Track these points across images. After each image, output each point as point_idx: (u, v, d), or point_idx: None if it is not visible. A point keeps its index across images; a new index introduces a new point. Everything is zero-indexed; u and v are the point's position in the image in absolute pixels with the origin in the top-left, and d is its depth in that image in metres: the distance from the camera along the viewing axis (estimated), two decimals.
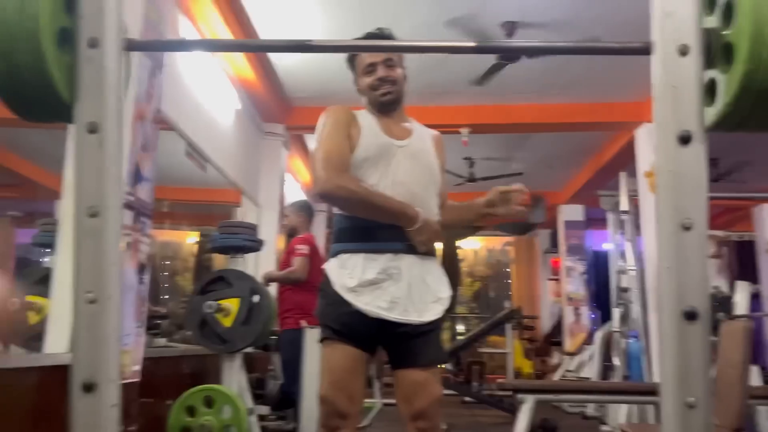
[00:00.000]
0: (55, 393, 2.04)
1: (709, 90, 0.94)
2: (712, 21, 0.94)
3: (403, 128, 1.91)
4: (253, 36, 4.56)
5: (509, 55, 4.53)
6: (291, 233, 4.26)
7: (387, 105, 1.89)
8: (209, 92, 4.57)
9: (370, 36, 1.86)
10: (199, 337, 2.86)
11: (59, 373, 1.54)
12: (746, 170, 7.10)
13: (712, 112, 0.93)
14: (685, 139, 0.90)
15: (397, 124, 1.90)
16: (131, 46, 1.07)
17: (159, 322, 3.72)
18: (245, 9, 4.30)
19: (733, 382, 1.89)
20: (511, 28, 4.44)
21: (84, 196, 0.97)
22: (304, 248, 4.07)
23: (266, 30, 4.52)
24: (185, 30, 3.99)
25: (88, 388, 0.93)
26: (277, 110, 5.82)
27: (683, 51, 0.91)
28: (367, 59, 1.88)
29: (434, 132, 2.00)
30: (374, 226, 1.76)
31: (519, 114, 5.98)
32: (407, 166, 1.83)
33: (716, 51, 0.92)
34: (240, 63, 4.78)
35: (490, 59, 4.74)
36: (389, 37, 1.89)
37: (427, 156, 1.90)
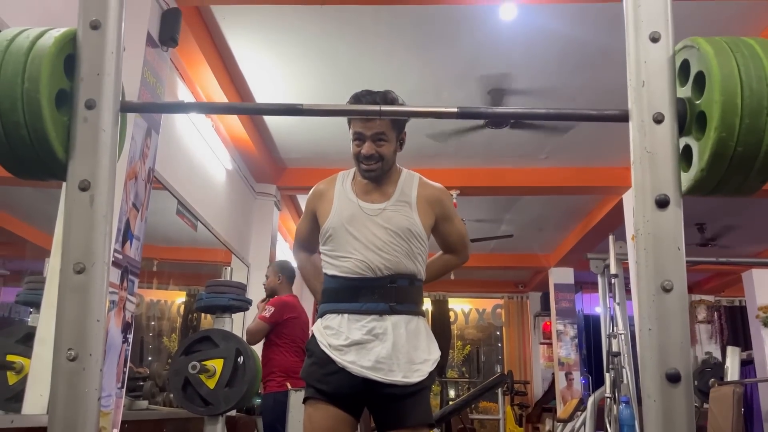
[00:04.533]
0: None
1: (685, 156, 0.97)
2: (686, 91, 0.98)
3: (383, 192, 1.87)
4: (248, 97, 4.67)
5: (495, 120, 4.64)
6: (270, 294, 4.04)
7: (368, 178, 1.86)
8: (202, 152, 4.63)
9: (357, 97, 1.79)
10: (182, 399, 2.79)
11: None
12: (733, 235, 7.18)
13: (688, 177, 0.96)
14: (662, 203, 0.93)
15: (378, 188, 1.87)
16: (127, 107, 1.10)
17: (141, 383, 3.63)
18: (242, 73, 4.41)
19: None
20: (498, 95, 4.58)
21: (71, 252, 0.97)
22: (268, 311, 3.87)
23: (262, 91, 4.63)
24: (182, 92, 4.09)
25: None
26: (270, 170, 5.89)
27: (658, 119, 0.95)
28: (357, 127, 1.81)
29: (432, 190, 1.91)
30: (359, 287, 1.78)
31: (507, 177, 6.08)
32: (378, 233, 1.80)
33: (690, 119, 0.96)
34: (234, 124, 4.87)
35: (479, 124, 4.85)
36: (384, 99, 1.81)
37: (402, 220, 1.82)
